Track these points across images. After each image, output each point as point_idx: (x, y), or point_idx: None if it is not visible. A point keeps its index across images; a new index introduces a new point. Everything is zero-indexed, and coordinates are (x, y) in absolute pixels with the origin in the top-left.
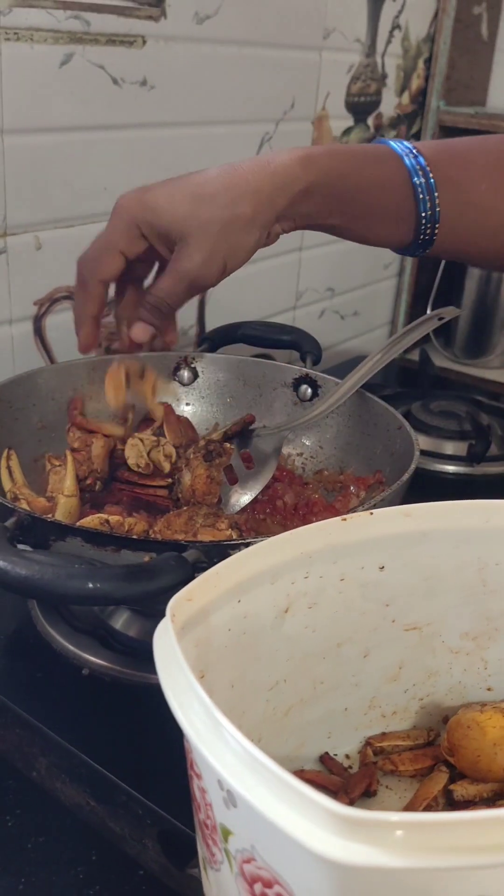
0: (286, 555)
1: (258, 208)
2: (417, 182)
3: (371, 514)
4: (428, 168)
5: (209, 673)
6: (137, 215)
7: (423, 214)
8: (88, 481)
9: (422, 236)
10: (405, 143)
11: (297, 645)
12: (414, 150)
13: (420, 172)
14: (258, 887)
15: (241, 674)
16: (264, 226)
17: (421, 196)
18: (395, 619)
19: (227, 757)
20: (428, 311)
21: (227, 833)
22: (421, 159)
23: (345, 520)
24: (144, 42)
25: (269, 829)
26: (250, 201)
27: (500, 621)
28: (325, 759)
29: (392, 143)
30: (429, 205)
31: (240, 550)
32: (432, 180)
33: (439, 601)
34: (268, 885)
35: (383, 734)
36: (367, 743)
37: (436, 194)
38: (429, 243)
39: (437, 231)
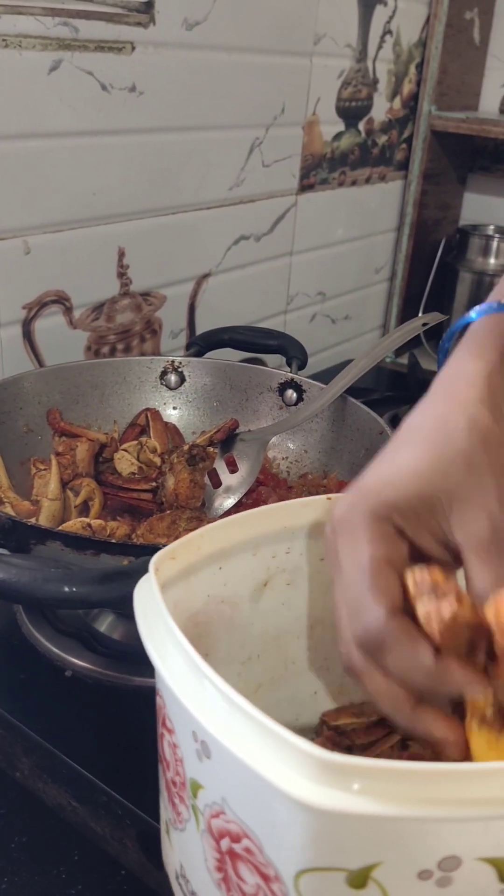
0: (270, 526)
1: (494, 409)
2: None
3: None
4: None
5: (186, 637)
6: (382, 504)
7: None
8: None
9: None
10: None
11: (272, 621)
12: None
13: None
14: (225, 843)
15: (215, 643)
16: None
17: None
18: None
19: (205, 705)
20: (419, 315)
21: (196, 788)
22: None
23: (330, 499)
24: (133, 48)
25: (244, 777)
26: (482, 411)
27: None
28: None
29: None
30: None
31: None
32: None
33: None
34: (236, 839)
35: (337, 710)
36: (322, 721)
37: None
38: None
39: None
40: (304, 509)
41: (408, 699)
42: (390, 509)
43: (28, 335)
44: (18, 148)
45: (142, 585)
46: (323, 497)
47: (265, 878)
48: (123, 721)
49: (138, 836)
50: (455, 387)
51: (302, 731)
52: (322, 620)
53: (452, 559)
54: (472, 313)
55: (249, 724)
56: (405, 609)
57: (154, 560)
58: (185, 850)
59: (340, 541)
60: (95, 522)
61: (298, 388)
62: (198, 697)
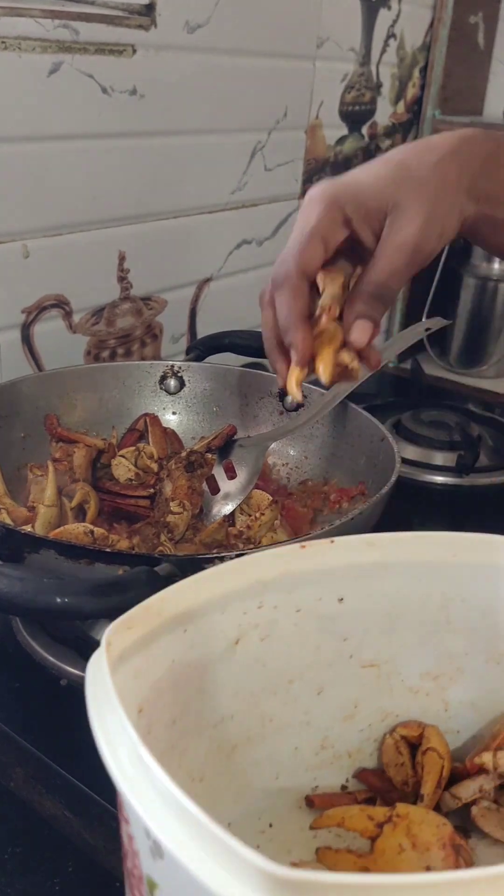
0: (239, 582)
1: (462, 169)
2: None
3: (332, 542)
4: None
5: (148, 707)
6: (340, 196)
7: None
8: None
9: None
10: None
11: (246, 680)
12: None
13: None
14: None
15: (183, 709)
16: (468, 190)
17: None
18: (352, 654)
19: (156, 804)
20: (423, 320)
21: (153, 886)
22: None
23: (303, 546)
24: (134, 51)
25: (196, 886)
26: (454, 162)
27: (463, 660)
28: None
29: None
30: None
31: (214, 564)
32: None
33: (400, 637)
34: None
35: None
36: (306, 799)
37: None
38: None
39: None
40: (275, 560)
41: (275, 331)
42: (348, 198)
43: (27, 339)
44: (18, 151)
45: (93, 661)
46: (296, 545)
47: None
48: None
49: None
50: (431, 139)
51: (283, 791)
52: (301, 675)
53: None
54: None
55: (200, 831)
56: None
57: (107, 633)
58: None
59: (303, 208)
60: (98, 530)
61: None
62: (148, 795)
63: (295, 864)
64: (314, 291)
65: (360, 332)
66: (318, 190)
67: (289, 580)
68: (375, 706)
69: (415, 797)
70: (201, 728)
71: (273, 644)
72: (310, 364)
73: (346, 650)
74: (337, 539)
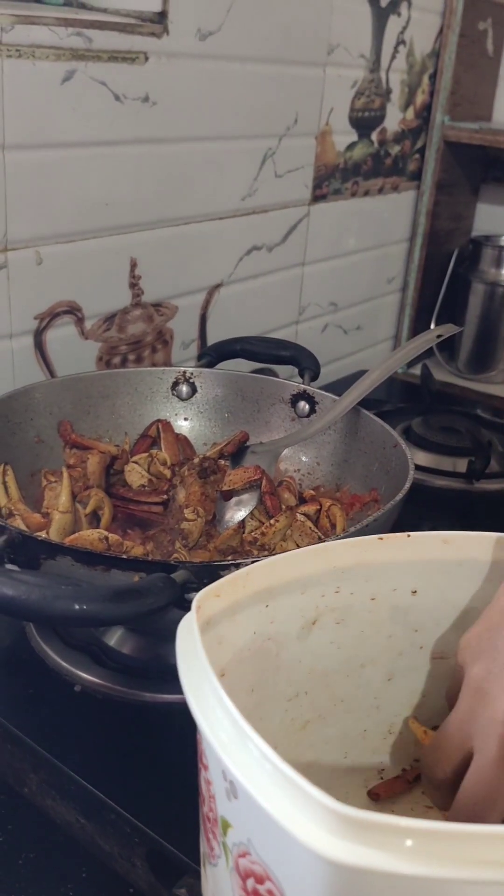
0: (318, 566)
1: None
2: None
3: (408, 536)
4: None
5: (229, 673)
6: None
7: None
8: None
9: None
10: None
11: (321, 659)
12: None
13: None
14: (250, 883)
15: (261, 679)
16: None
17: None
18: (423, 645)
19: (234, 747)
20: (432, 326)
21: (226, 826)
22: None
23: (381, 539)
24: (147, 58)
25: (266, 821)
26: None
27: None
28: None
29: None
30: None
31: (230, 572)
32: None
33: None
34: (259, 880)
35: (383, 782)
36: (369, 793)
37: None
38: None
39: None
40: (353, 549)
41: None
42: None
43: (39, 346)
44: (31, 158)
45: (184, 623)
46: (374, 537)
47: None
48: (133, 737)
49: (147, 855)
50: None
51: (350, 769)
52: (373, 660)
53: None
54: None
55: (272, 770)
56: None
57: (198, 598)
58: (217, 885)
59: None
60: (112, 537)
61: (311, 400)
62: (226, 739)
63: None
64: None
65: None
66: None
67: (365, 569)
68: (442, 698)
69: None
70: (276, 700)
71: (348, 628)
72: None
73: (418, 641)
74: (413, 534)
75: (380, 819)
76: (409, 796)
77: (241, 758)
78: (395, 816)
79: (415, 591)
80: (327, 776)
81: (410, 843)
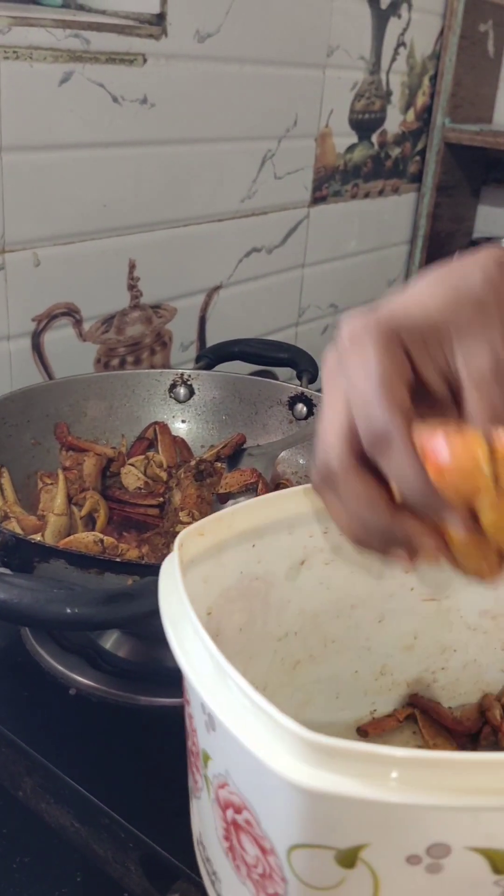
0: (306, 507)
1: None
2: None
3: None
4: None
5: (217, 611)
6: (395, 327)
7: None
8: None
9: None
10: None
11: (311, 599)
12: None
13: None
14: (230, 813)
15: (250, 619)
16: None
17: None
18: (413, 587)
19: (212, 681)
20: None
21: (206, 758)
22: None
23: None
24: (145, 60)
25: (241, 751)
26: (500, 274)
27: None
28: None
29: None
30: None
31: None
32: None
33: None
34: (237, 810)
35: (373, 720)
36: (358, 730)
37: None
38: None
39: None
40: None
41: (390, 502)
42: (400, 330)
43: (37, 347)
44: (29, 159)
45: (167, 561)
46: None
47: (262, 850)
48: (128, 741)
49: (141, 860)
50: (469, 255)
51: (342, 710)
52: (363, 601)
53: (451, 396)
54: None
55: (248, 703)
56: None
57: (180, 536)
58: (202, 818)
59: (350, 354)
60: (108, 540)
61: (308, 402)
62: (205, 673)
63: None
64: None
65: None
66: (361, 324)
67: None
68: (434, 639)
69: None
70: (266, 639)
71: (337, 569)
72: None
73: (408, 583)
74: None
75: (349, 746)
76: (399, 735)
77: (218, 691)
78: (363, 743)
79: None
80: (318, 716)
81: (380, 769)
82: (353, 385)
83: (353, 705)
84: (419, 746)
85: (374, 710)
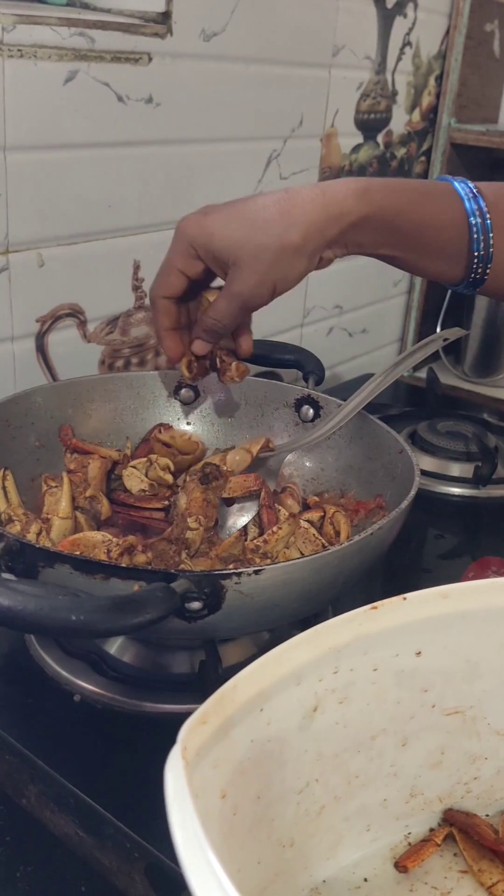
0: (312, 653)
1: (309, 237)
2: (474, 222)
3: (404, 598)
4: (487, 210)
5: (232, 790)
6: (194, 238)
7: (477, 254)
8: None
9: (473, 275)
10: (469, 183)
11: (328, 743)
12: (475, 191)
13: (478, 213)
14: None
15: (266, 782)
16: (314, 253)
17: (476, 236)
18: (434, 704)
19: None
20: (437, 329)
21: None
22: (481, 200)
23: (375, 608)
24: (150, 59)
25: None
26: (302, 230)
27: None
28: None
29: (455, 182)
30: (482, 245)
31: (232, 580)
32: (489, 221)
33: (483, 683)
34: None
35: (409, 848)
36: (396, 866)
37: (490, 235)
38: (480, 282)
39: (488, 270)
40: (348, 625)
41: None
42: (200, 243)
43: (41, 349)
44: (33, 159)
45: (170, 767)
46: (367, 608)
47: None
48: (133, 749)
49: (147, 870)
50: (298, 195)
51: (375, 841)
52: (384, 729)
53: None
54: (455, 181)
55: None
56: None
57: (182, 735)
58: None
59: (173, 238)
60: (115, 540)
61: (315, 404)
62: None
63: None
64: (182, 304)
65: (198, 348)
66: (183, 225)
67: (363, 643)
68: (463, 751)
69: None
70: (286, 796)
71: (352, 705)
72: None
73: (428, 700)
74: (409, 595)
75: None
76: (439, 861)
77: None
78: None
79: (419, 653)
80: (351, 853)
81: None
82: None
83: (386, 834)
84: (463, 872)
85: (409, 834)
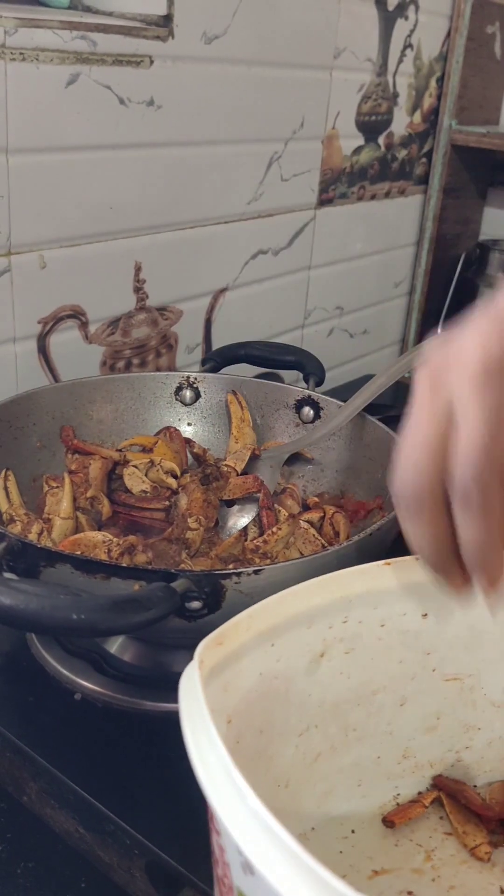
0: (325, 598)
1: None
2: None
3: (417, 559)
4: None
5: (237, 718)
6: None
7: None
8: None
9: None
10: None
11: (330, 690)
12: None
13: None
14: None
15: (270, 719)
16: None
17: None
18: (435, 668)
19: (248, 824)
20: (439, 331)
21: (241, 894)
22: None
23: (388, 563)
24: (152, 62)
25: None
26: None
27: None
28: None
29: None
30: None
31: (232, 580)
32: None
33: (483, 653)
34: None
35: (398, 807)
36: (384, 821)
37: None
38: None
39: None
40: (360, 577)
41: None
42: None
43: (43, 350)
44: (35, 161)
45: (186, 677)
46: (380, 563)
47: None
48: (132, 747)
49: (147, 867)
50: None
51: (365, 797)
52: (385, 686)
53: None
54: None
55: (290, 855)
56: None
57: (200, 650)
58: None
59: (473, 392)
60: (115, 540)
61: (315, 405)
62: (239, 815)
63: (376, 873)
64: None
65: None
66: (495, 356)
67: (373, 596)
68: (458, 719)
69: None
70: (287, 736)
71: (357, 657)
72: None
73: (430, 664)
74: None
75: None
76: (425, 822)
77: (256, 839)
78: None
79: (425, 615)
80: (341, 805)
81: None
82: (468, 424)
83: (376, 791)
84: (448, 834)
85: (398, 795)
